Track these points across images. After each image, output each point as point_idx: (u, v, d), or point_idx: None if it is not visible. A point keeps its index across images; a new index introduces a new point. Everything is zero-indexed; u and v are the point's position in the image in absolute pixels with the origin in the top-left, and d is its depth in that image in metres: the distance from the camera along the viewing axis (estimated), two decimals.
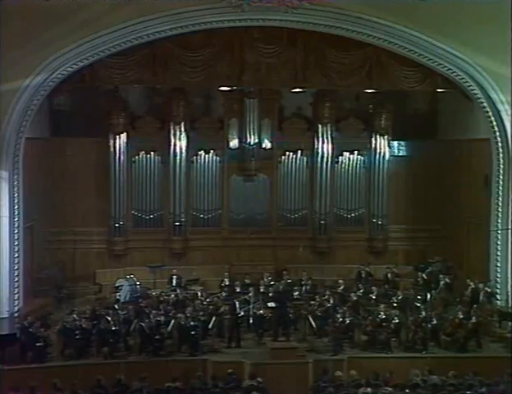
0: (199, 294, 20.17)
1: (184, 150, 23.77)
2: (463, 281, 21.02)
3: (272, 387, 15.03)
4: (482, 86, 20.16)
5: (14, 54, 18.31)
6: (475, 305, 19.19)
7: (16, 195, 19.40)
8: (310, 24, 19.81)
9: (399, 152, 24.90)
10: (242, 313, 18.49)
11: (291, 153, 24.43)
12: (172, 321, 17.92)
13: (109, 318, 17.71)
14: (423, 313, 18.42)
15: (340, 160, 24.52)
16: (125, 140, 23.46)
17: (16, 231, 19.42)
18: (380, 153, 24.42)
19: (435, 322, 18.24)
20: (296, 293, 20.16)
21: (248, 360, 16.79)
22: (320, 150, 24.23)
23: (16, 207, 19.40)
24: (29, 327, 17.29)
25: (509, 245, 20.26)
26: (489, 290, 19.97)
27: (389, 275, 21.97)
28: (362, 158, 24.62)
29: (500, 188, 20.60)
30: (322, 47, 20.97)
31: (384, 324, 18.06)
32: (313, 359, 17.09)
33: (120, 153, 23.41)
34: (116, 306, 18.86)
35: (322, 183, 24.29)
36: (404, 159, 24.89)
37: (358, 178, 24.67)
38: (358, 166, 24.63)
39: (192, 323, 17.61)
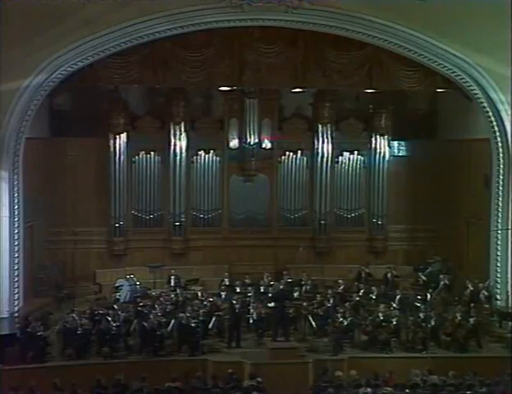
0: (199, 294, 20.16)
1: (184, 150, 23.78)
2: (463, 281, 21.01)
3: (272, 387, 15.02)
4: (482, 86, 20.16)
5: (14, 54, 18.31)
6: (474, 305, 19.17)
7: (15, 195, 19.40)
8: (310, 24, 19.82)
9: (399, 152, 24.91)
10: (239, 311, 18.45)
11: (291, 153, 24.43)
12: (172, 321, 17.93)
13: (109, 318, 17.71)
14: (423, 313, 18.41)
15: (340, 160, 24.52)
16: (125, 140, 23.46)
17: (16, 231, 19.42)
18: (380, 153, 24.43)
19: (435, 322, 18.24)
20: (296, 293, 20.15)
21: (248, 360, 16.79)
22: (320, 150, 24.23)
23: (16, 207, 19.41)
24: (28, 327, 17.29)
25: (509, 245, 20.27)
26: (488, 290, 19.96)
27: (389, 275, 21.95)
28: (362, 158, 24.62)
29: (500, 188, 20.59)
30: (322, 47, 20.95)
31: (384, 324, 18.06)
32: (313, 359, 17.09)
33: (120, 153, 23.41)
34: (115, 306, 18.85)
35: (322, 183, 24.29)
36: (404, 159, 24.89)
37: (358, 178, 24.67)
38: (358, 166, 24.64)
39: (192, 323, 17.61)
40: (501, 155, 20.52)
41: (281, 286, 19.70)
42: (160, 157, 23.86)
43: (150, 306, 18.82)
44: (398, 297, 19.69)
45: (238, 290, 20.32)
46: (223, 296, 19.83)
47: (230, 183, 24.34)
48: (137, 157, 23.77)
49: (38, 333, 17.12)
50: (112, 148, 23.35)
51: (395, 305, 19.22)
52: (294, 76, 21.40)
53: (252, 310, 18.93)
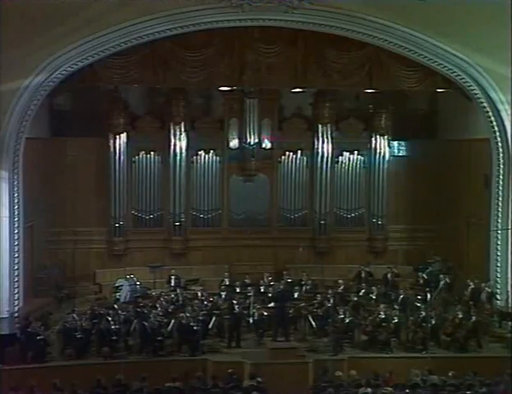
0: (199, 294, 20.15)
1: (184, 150, 23.78)
2: (463, 281, 21.02)
3: (272, 387, 15.01)
4: (482, 86, 20.16)
5: (14, 54, 18.30)
6: (474, 305, 19.18)
7: (15, 195, 19.40)
8: (310, 24, 19.82)
9: (399, 152, 24.92)
10: (239, 311, 18.45)
11: (291, 153, 24.44)
12: (172, 321, 17.93)
13: (109, 318, 17.71)
14: (423, 313, 18.40)
15: (340, 160, 24.52)
16: (125, 140, 23.47)
17: (16, 231, 19.42)
18: (380, 153, 24.43)
19: (435, 322, 18.24)
20: (296, 293, 20.15)
21: (248, 360, 16.78)
22: (320, 150, 24.23)
23: (16, 207, 19.41)
24: (28, 327, 17.29)
25: (509, 245, 20.27)
26: (489, 290, 19.97)
27: (389, 275, 21.94)
28: (362, 158, 24.62)
29: (500, 188, 20.59)
30: (322, 47, 20.96)
31: (384, 324, 18.06)
32: (313, 359, 17.09)
33: (120, 153, 23.41)
34: (116, 306, 18.86)
35: (322, 183, 24.29)
36: (404, 159, 24.90)
37: (358, 178, 24.68)
38: (358, 166, 24.64)
39: (192, 323, 17.60)
40: (501, 155, 20.52)
41: (281, 287, 19.70)
42: (160, 157, 23.86)
43: (150, 306, 18.82)
44: (398, 297, 19.68)
45: (238, 290, 20.31)
46: (223, 296, 19.82)
47: (230, 183, 24.34)
48: (137, 157, 23.77)
49: (39, 333, 17.11)
50: (112, 148, 23.35)
51: (395, 305, 19.18)
52: (294, 76, 21.42)
53: (252, 310, 18.93)
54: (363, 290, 20.53)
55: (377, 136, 24.39)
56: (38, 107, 19.73)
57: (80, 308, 19.30)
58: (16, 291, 19.46)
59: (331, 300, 19.15)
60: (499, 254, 20.53)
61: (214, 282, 21.84)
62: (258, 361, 16.78)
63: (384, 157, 24.46)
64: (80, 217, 23.12)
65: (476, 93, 20.40)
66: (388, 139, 24.46)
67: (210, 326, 18.34)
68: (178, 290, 20.51)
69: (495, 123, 20.41)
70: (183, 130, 23.68)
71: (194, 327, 17.50)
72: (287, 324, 18.45)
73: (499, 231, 20.45)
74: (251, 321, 18.88)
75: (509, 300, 20.06)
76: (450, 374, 14.79)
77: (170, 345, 17.79)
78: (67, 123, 23.14)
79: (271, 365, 16.68)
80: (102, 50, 19.40)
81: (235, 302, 18.66)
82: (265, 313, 18.70)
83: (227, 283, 21.19)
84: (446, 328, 18.23)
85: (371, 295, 20.16)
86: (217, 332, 18.65)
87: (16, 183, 19.41)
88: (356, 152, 24.59)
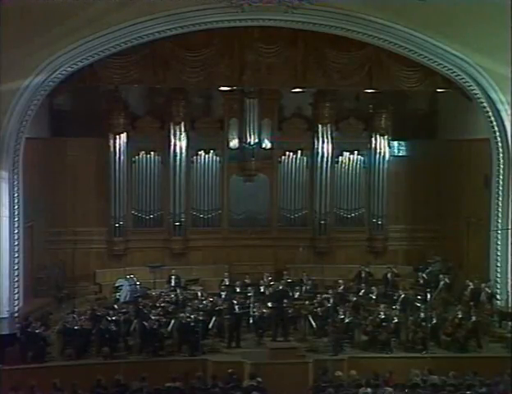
0: (199, 294, 20.16)
1: (184, 150, 23.78)
2: (463, 281, 21.02)
3: (272, 387, 15.01)
4: (482, 86, 20.16)
5: (14, 54, 18.31)
6: (474, 305, 19.18)
7: (15, 195, 19.42)
8: (310, 24, 19.82)
9: (399, 152, 24.91)
10: (239, 311, 18.45)
11: (291, 153, 24.44)
12: (172, 321, 17.93)
13: (109, 318, 17.71)
14: (423, 313, 18.41)
15: (340, 160, 24.52)
16: (125, 140, 23.47)
17: (16, 231, 19.44)
18: (380, 153, 24.43)
19: (435, 322, 18.24)
20: (296, 293, 20.15)
21: (248, 360, 16.78)
22: (320, 150, 24.23)
23: (16, 207, 19.42)
24: (29, 327, 17.29)
25: (509, 245, 20.27)
26: (489, 290, 19.96)
27: (389, 275, 21.93)
28: (362, 158, 24.62)
29: (500, 188, 20.60)
30: (322, 47, 20.97)
31: (384, 324, 18.06)
32: (313, 359, 17.09)
33: (120, 153, 23.41)
34: (116, 306, 18.86)
35: (322, 183, 24.28)
36: (404, 159, 24.89)
37: (358, 178, 24.67)
38: (358, 166, 24.63)
39: (192, 323, 17.60)
40: (501, 155, 20.53)
41: (281, 286, 19.70)
42: (160, 157, 23.87)
43: (150, 306, 18.83)
44: (398, 297, 19.67)
45: (238, 290, 20.30)
46: (223, 296, 19.81)
47: (230, 183, 24.34)
48: (137, 157, 23.77)
49: (38, 332, 17.10)
50: (112, 148, 23.35)
51: (397, 306, 19.16)
52: (294, 76, 21.43)
53: (252, 310, 18.92)
54: (363, 290, 20.52)
55: (377, 136, 24.38)
56: (38, 107, 19.74)
57: (80, 308, 19.33)
58: (16, 291, 19.47)
59: (331, 300, 19.13)
60: (499, 254, 20.53)
61: (214, 282, 21.85)
62: (258, 361, 16.77)
63: (384, 157, 24.46)
64: (80, 217, 23.14)
65: (476, 93, 20.41)
66: (388, 139, 24.46)
67: (210, 326, 18.32)
68: (178, 290, 20.50)
69: (495, 123, 20.41)
70: (183, 130, 23.69)
71: (194, 327, 17.50)
72: (287, 324, 18.47)
73: (499, 231, 20.45)
74: (251, 321, 18.88)
75: (509, 300, 20.06)
76: (450, 374, 14.80)
77: (170, 345, 17.80)
78: (67, 123, 23.16)
79: (271, 365, 16.68)
80: (102, 50, 19.40)
81: (235, 302, 18.66)
82: (265, 313, 18.67)
83: (227, 283, 21.19)
84: (446, 328, 18.23)
85: (371, 295, 20.16)
86: (217, 332, 18.64)
87: (16, 183, 19.42)
88: (356, 152, 24.59)
